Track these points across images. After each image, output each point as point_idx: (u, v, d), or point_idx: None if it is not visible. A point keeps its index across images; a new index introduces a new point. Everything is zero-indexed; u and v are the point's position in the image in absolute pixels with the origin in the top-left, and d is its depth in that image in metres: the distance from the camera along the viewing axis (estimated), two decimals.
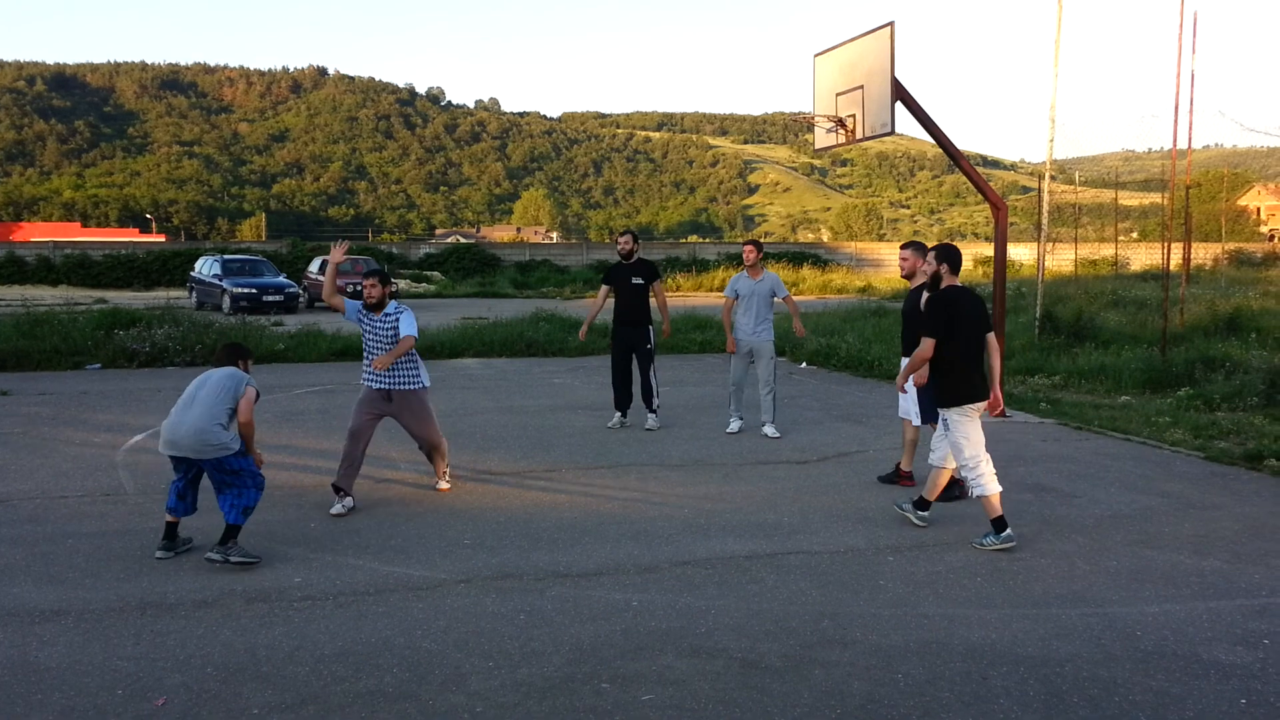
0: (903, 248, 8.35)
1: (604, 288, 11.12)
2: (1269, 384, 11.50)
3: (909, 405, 8.03)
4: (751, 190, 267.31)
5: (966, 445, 6.51)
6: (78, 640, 4.90)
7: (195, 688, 4.38)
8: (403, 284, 38.99)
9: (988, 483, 6.45)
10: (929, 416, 7.64)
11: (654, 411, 10.92)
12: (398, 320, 7.56)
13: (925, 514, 7.03)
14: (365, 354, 7.69)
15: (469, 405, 12.37)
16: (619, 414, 11.03)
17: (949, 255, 6.68)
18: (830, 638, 4.97)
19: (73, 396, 12.80)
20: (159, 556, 6.22)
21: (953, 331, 6.47)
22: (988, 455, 6.56)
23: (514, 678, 4.49)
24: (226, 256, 32.61)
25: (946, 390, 6.55)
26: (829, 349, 16.62)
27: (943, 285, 6.65)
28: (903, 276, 8.29)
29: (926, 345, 6.48)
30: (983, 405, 6.60)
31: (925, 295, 6.88)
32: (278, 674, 4.52)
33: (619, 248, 11.02)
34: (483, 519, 7.15)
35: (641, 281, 10.80)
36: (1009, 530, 6.51)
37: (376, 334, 7.62)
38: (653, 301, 10.95)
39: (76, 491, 7.90)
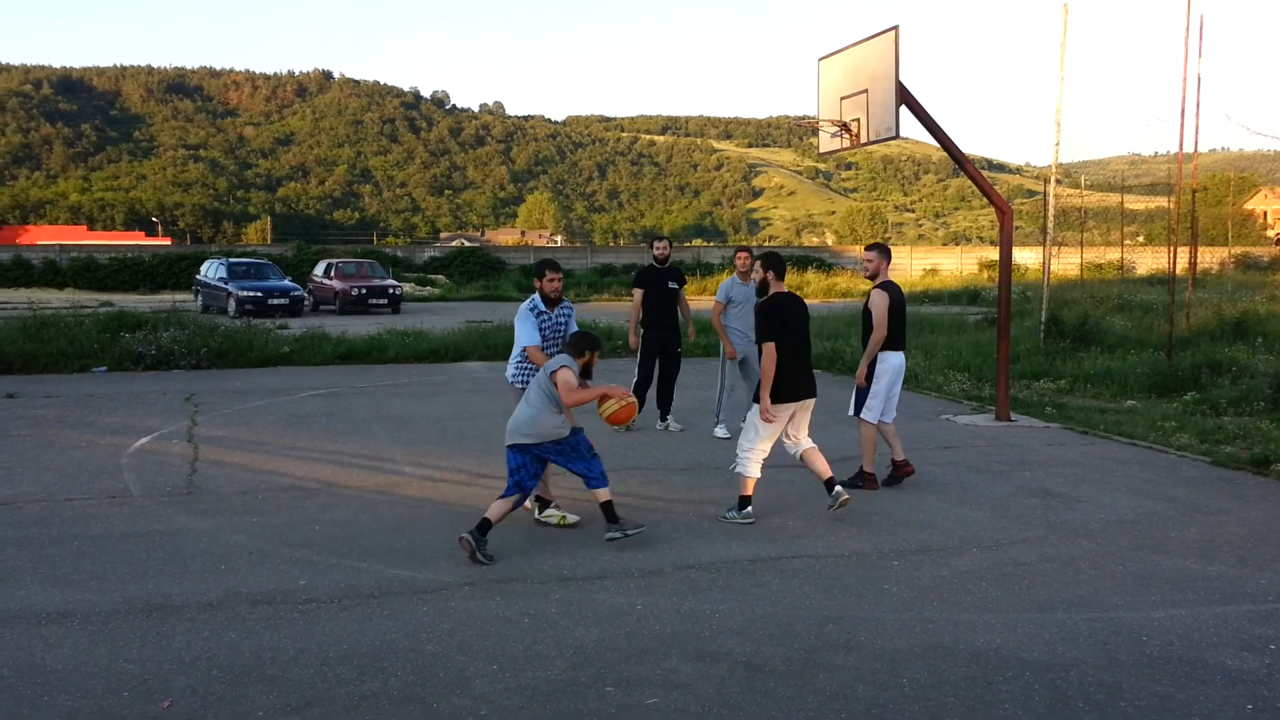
0: (867, 249, 8.88)
1: (639, 291, 11.02)
2: (1275, 388, 11.48)
3: (875, 403, 8.37)
4: (756, 194, 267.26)
5: (759, 430, 7.03)
6: (84, 642, 4.91)
7: (201, 690, 4.38)
8: (407, 287, 39.01)
9: (752, 466, 7.06)
10: (857, 409, 8.34)
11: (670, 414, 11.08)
12: (568, 318, 7.74)
13: (840, 490, 7.18)
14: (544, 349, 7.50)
15: (473, 408, 12.38)
16: (669, 418, 11.04)
17: (774, 263, 7.13)
18: (834, 642, 4.97)
19: (79, 399, 12.83)
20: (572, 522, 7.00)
21: (785, 337, 6.91)
22: (765, 449, 7.10)
23: (518, 681, 4.49)
24: (232, 260, 32.66)
25: (774, 388, 6.96)
26: (833, 353, 16.61)
27: (770, 292, 7.08)
28: (867, 276, 8.78)
29: (769, 350, 6.87)
30: (807, 403, 7.13)
31: (757, 302, 7.24)
32: (283, 676, 4.53)
33: (656, 253, 11.08)
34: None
35: (675, 286, 10.97)
36: (749, 509, 7.13)
37: (555, 329, 7.61)
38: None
39: (83, 494, 7.92)
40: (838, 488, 7.18)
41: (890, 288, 8.45)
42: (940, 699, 4.32)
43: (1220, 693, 4.40)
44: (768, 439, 7.12)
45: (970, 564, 6.27)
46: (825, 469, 7.24)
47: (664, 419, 11.02)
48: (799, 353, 7.06)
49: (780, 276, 7.17)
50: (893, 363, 8.35)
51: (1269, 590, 5.78)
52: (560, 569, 6.10)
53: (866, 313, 8.39)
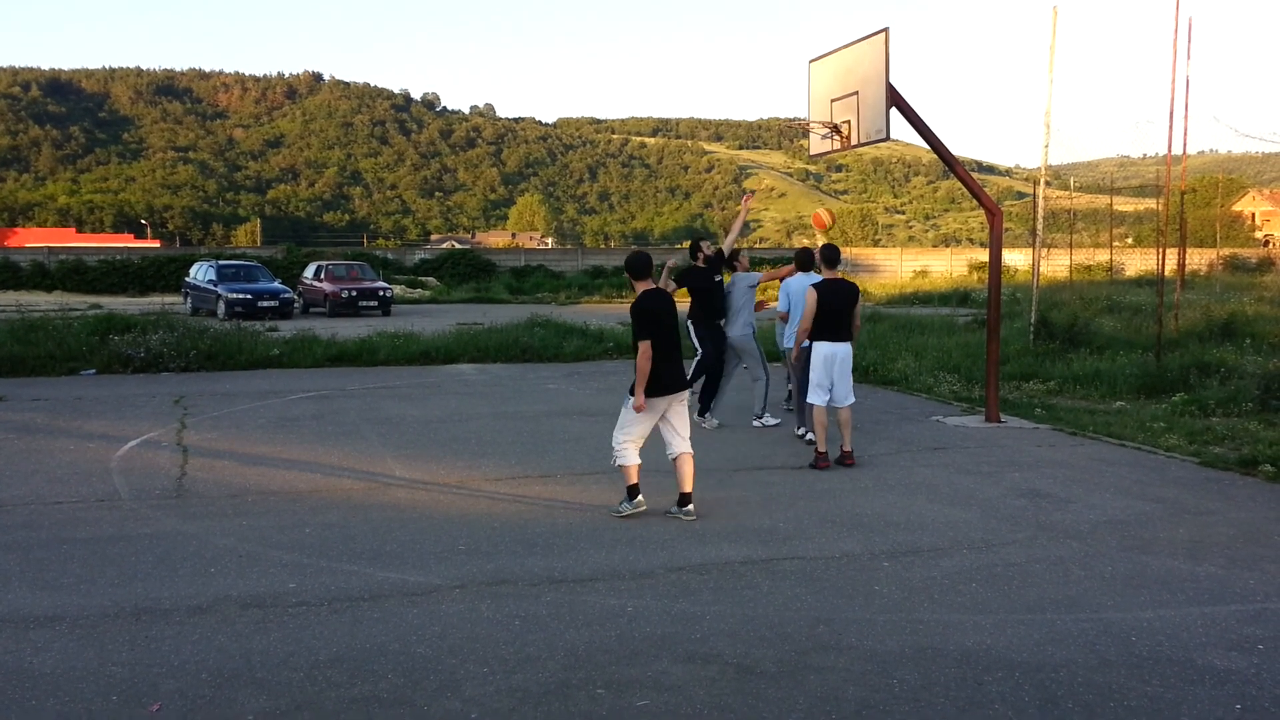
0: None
1: (676, 287, 11.02)
2: (1263, 389, 11.53)
3: (818, 393, 9.12)
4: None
5: (629, 424, 7.30)
6: (72, 646, 4.89)
7: (189, 694, 4.37)
8: (398, 289, 38.96)
9: (628, 457, 7.29)
10: (800, 391, 9.26)
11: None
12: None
13: (690, 509, 7.35)
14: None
15: (464, 411, 12.37)
16: (708, 413, 11.34)
17: (638, 265, 7.39)
18: (825, 643, 4.97)
19: (67, 402, 12.78)
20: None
21: (657, 334, 7.15)
22: (639, 439, 7.33)
23: (509, 683, 4.49)
24: (221, 262, 32.56)
25: (639, 382, 7.22)
26: None
27: (639, 292, 7.33)
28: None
29: (644, 349, 7.10)
30: (680, 396, 7.36)
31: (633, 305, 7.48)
32: (272, 680, 4.51)
33: (706, 253, 11.29)
34: (477, 524, 7.14)
35: (719, 279, 11.40)
36: (640, 498, 7.33)
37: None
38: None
39: (71, 497, 7.89)
40: (689, 506, 7.34)
41: (820, 285, 9.19)
42: (930, 700, 4.33)
43: (1209, 693, 4.42)
44: (639, 431, 7.34)
45: (960, 565, 6.28)
46: (687, 483, 7.37)
47: (702, 413, 11.22)
48: (669, 349, 7.26)
49: (644, 276, 7.35)
50: (821, 351, 9.13)
51: (1257, 590, 5.80)
52: (551, 571, 6.10)
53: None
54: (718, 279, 11.34)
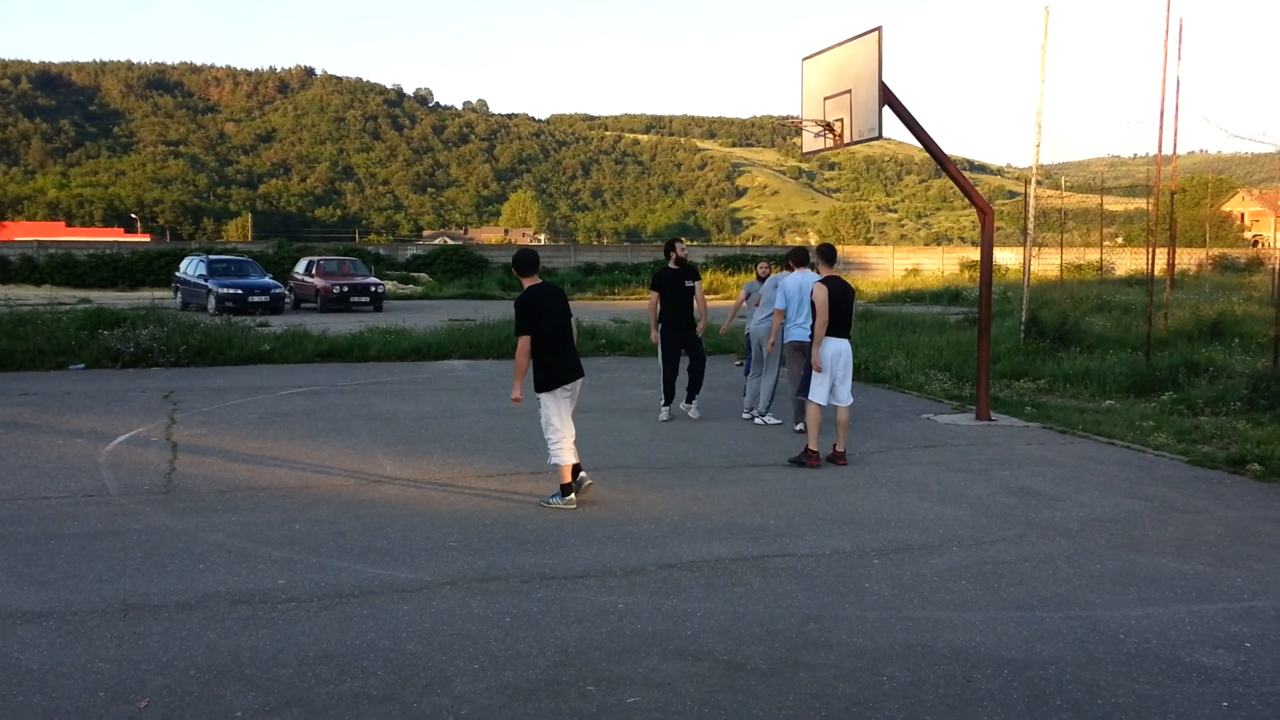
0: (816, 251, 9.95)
1: (655, 294, 11.56)
2: (1252, 389, 11.58)
3: (820, 390, 9.18)
4: (739, 193, 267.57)
5: (552, 421, 7.46)
6: (60, 642, 4.87)
7: (178, 690, 4.36)
8: (390, 285, 38.88)
9: (563, 455, 7.42)
10: (802, 389, 9.31)
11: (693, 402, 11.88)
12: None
13: (571, 497, 7.54)
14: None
15: (456, 407, 12.35)
16: (668, 407, 11.70)
17: (523, 261, 7.63)
18: (815, 640, 4.98)
19: (56, 397, 12.73)
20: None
21: (539, 327, 7.35)
22: (568, 433, 7.47)
23: (499, 680, 4.49)
24: (212, 257, 32.44)
25: (539, 378, 7.49)
26: None
27: (526, 286, 7.51)
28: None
29: (522, 344, 7.37)
30: (577, 384, 7.60)
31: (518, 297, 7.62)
32: (261, 676, 4.50)
33: (680, 253, 11.58)
34: (468, 521, 7.14)
35: (691, 285, 11.53)
36: (572, 495, 7.49)
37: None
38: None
39: (59, 492, 7.86)
40: (582, 474, 7.73)
41: (830, 282, 9.20)
42: (920, 697, 4.34)
43: (1196, 690, 4.44)
44: (564, 425, 7.49)
45: (950, 562, 6.29)
46: (568, 472, 7.55)
47: (689, 401, 11.79)
48: (562, 339, 7.51)
49: (531, 271, 7.59)
50: (830, 348, 9.15)
51: (1244, 588, 5.83)
52: (542, 568, 6.10)
53: (811, 304, 9.35)
54: (688, 284, 11.47)
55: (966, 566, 6.21)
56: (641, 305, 33.62)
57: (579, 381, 7.68)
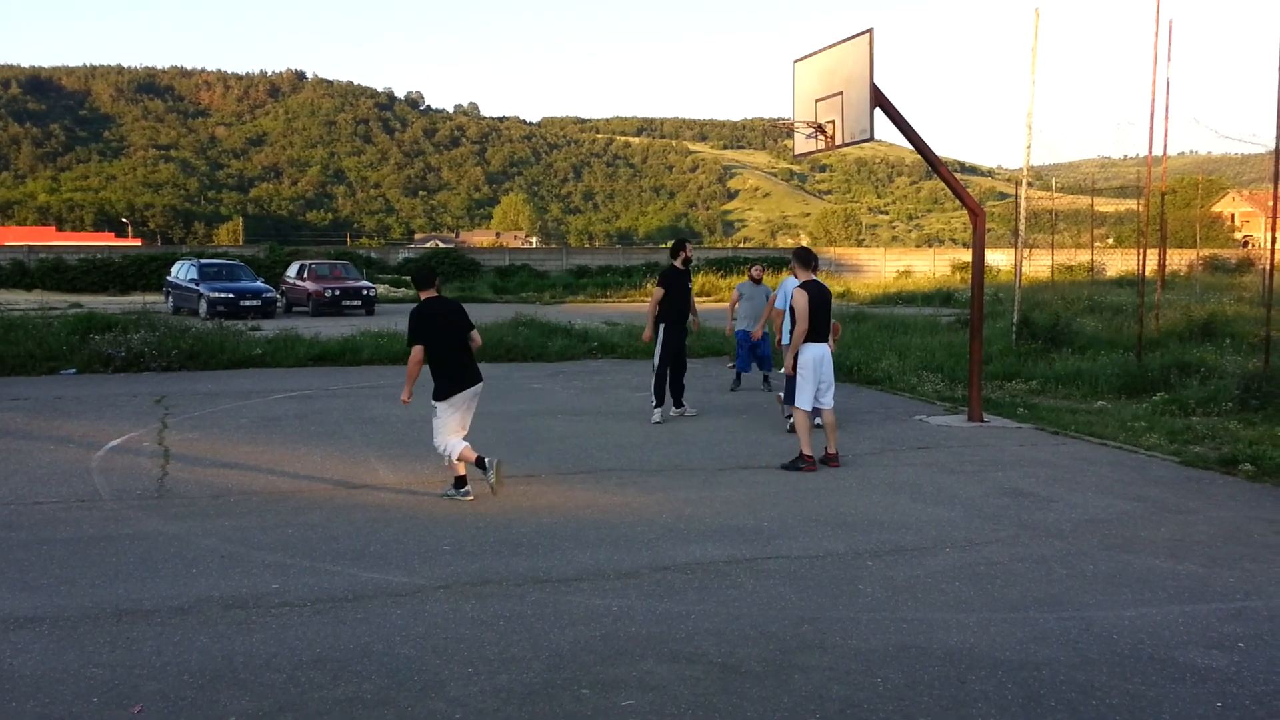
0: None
1: (661, 290, 11.66)
2: (1243, 389, 11.61)
3: (805, 396, 9.15)
4: (731, 195, 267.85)
5: (443, 429, 7.76)
6: (52, 647, 4.85)
7: (171, 695, 4.34)
8: (381, 288, 38.82)
9: (455, 448, 7.72)
10: (787, 397, 9.27)
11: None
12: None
13: (467, 489, 7.86)
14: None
15: None
16: (661, 409, 11.70)
17: (419, 276, 7.92)
18: (809, 642, 4.98)
19: (47, 402, 12.68)
20: None
21: (432, 338, 7.66)
22: (456, 437, 7.78)
23: (493, 684, 4.48)
24: (203, 261, 32.34)
25: (437, 388, 7.78)
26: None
27: (422, 299, 7.82)
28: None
29: (415, 353, 7.64)
30: (475, 389, 7.93)
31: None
32: (255, 681, 4.49)
33: (688, 254, 11.90)
34: (462, 524, 7.13)
35: (689, 285, 11.80)
36: (468, 488, 7.80)
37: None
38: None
39: (51, 497, 7.83)
40: (466, 488, 7.85)
41: (809, 286, 9.15)
42: (914, 698, 4.35)
43: (1190, 690, 4.45)
44: (452, 429, 7.80)
45: (944, 564, 6.30)
46: (461, 468, 7.86)
47: (680, 405, 11.98)
48: (458, 350, 7.82)
49: (428, 285, 7.90)
50: (812, 353, 9.12)
51: (1237, 588, 5.84)
52: (536, 571, 6.09)
53: (790, 310, 9.32)
54: (688, 285, 11.77)
55: (960, 568, 6.22)
56: (634, 307, 33.63)
57: (478, 386, 8.00)
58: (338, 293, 30.86)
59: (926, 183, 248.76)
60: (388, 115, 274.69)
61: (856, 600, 5.62)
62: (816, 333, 9.14)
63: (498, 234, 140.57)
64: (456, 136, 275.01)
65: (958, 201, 11.90)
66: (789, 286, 10.84)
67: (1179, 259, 45.54)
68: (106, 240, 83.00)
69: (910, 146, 11.41)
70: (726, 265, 47.96)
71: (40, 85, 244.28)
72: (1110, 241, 56.77)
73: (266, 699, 4.31)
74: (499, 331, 19.31)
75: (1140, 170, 17.53)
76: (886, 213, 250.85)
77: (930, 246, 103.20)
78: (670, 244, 12.52)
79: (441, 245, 68.56)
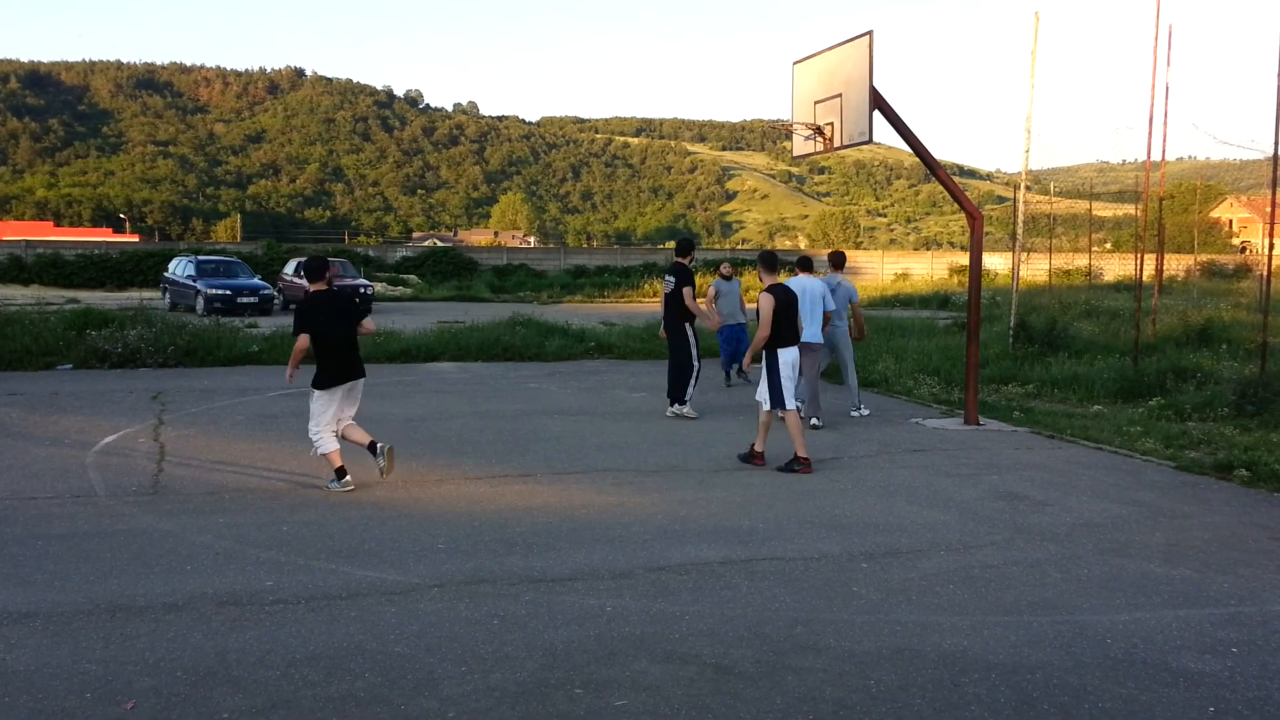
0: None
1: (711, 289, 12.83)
2: (1239, 395, 11.62)
3: (763, 391, 9.18)
4: (729, 196, 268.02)
5: (317, 417, 8.02)
6: (46, 643, 4.85)
7: (165, 691, 4.34)
8: (379, 287, 38.81)
9: (326, 444, 7.99)
10: (775, 402, 9.06)
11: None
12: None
13: (348, 479, 8.08)
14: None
15: (445, 409, 12.33)
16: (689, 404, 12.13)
17: (310, 269, 8.19)
18: (803, 644, 4.98)
19: (43, 397, 12.67)
20: None
21: (316, 330, 7.93)
22: (329, 425, 8.02)
23: (486, 683, 4.48)
24: (201, 257, 32.32)
25: (317, 376, 8.04)
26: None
27: (311, 290, 8.17)
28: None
29: (299, 341, 7.93)
30: (356, 384, 8.21)
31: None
32: (248, 678, 4.49)
33: (693, 255, 12.33)
34: (457, 523, 7.13)
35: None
36: (348, 478, 8.03)
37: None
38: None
39: (46, 493, 7.82)
40: (346, 478, 8.06)
41: (776, 290, 9.21)
42: (908, 701, 4.35)
43: (1183, 695, 4.45)
44: (327, 418, 8.04)
45: (938, 566, 6.31)
46: (363, 437, 8.20)
47: (680, 403, 12.10)
48: (341, 342, 8.07)
49: (318, 278, 8.21)
50: (789, 356, 9.16)
51: (1231, 594, 5.85)
52: (530, 570, 6.09)
53: (756, 313, 9.42)
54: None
55: (954, 571, 6.23)
56: (632, 308, 33.66)
57: (358, 381, 8.27)
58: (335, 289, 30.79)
59: (925, 186, 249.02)
60: (386, 113, 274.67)
61: (850, 602, 5.62)
62: (787, 336, 9.15)
63: (496, 233, 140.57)
64: (455, 135, 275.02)
65: (956, 205, 11.91)
66: (817, 288, 11.20)
67: (1176, 264, 45.61)
68: (104, 236, 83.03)
69: (909, 149, 11.42)
70: None
71: (39, 80, 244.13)
72: (1108, 246, 56.82)
73: (260, 696, 4.31)
74: (496, 331, 19.30)
75: (1139, 175, 17.54)
76: (885, 215, 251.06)
77: (928, 249, 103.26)
78: (677, 243, 12.67)
79: (439, 244, 68.43)
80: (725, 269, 14.81)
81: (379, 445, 8.05)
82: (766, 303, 9.05)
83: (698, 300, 12.14)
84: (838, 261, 12.41)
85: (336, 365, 8.06)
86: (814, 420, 11.38)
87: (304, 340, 7.94)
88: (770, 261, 9.66)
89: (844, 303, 12.00)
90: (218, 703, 4.24)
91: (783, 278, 9.87)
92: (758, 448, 9.25)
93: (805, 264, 11.62)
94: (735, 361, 14.44)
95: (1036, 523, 7.39)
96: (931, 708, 4.29)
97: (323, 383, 8.03)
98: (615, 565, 6.23)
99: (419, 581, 5.86)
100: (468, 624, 5.18)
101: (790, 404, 9.09)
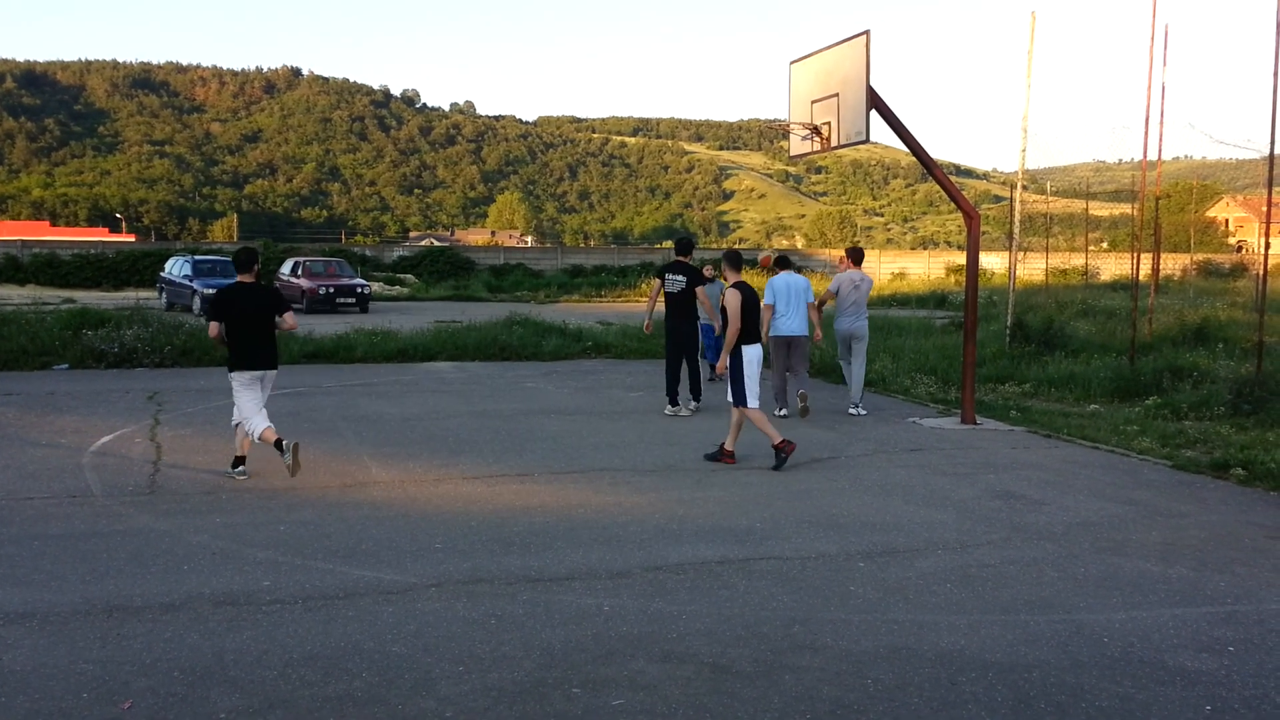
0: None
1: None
2: (1235, 394, 11.63)
3: (754, 395, 9.25)
4: (726, 196, 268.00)
5: (240, 403, 8.39)
6: (43, 643, 4.84)
7: (162, 691, 4.34)
8: (376, 286, 38.78)
9: (256, 427, 8.31)
10: (736, 400, 9.19)
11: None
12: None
13: (242, 469, 8.46)
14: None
15: (442, 409, 12.33)
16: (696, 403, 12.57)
17: (238, 260, 8.51)
18: (801, 643, 4.99)
19: (40, 397, 12.65)
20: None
21: (228, 318, 8.34)
22: (255, 409, 8.35)
23: (484, 683, 4.48)
24: (197, 257, 32.25)
25: (230, 360, 8.45)
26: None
27: (238, 280, 8.53)
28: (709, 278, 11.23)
29: (210, 327, 8.43)
30: (268, 374, 8.53)
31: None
32: (245, 678, 4.49)
33: (708, 272, 13.08)
34: (454, 523, 7.12)
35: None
36: (243, 468, 8.42)
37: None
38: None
39: (43, 493, 7.81)
40: (241, 468, 8.45)
41: (742, 288, 9.30)
42: (905, 700, 4.35)
43: (1180, 694, 4.46)
44: (248, 402, 8.40)
45: (935, 566, 6.31)
46: (243, 449, 8.51)
47: (679, 402, 12.38)
48: (253, 333, 8.43)
49: (241, 270, 8.50)
50: (752, 354, 9.27)
51: (1228, 592, 5.86)
52: (527, 570, 6.09)
53: (723, 310, 9.44)
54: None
55: (951, 570, 6.23)
56: (629, 307, 33.65)
57: (269, 373, 8.55)
58: (332, 290, 30.80)
59: (922, 185, 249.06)
60: (383, 113, 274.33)
61: (848, 601, 5.63)
62: (751, 334, 9.28)
63: (493, 233, 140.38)
64: (452, 135, 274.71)
65: (953, 204, 11.92)
66: (779, 283, 11.77)
67: (1173, 263, 45.69)
68: (100, 236, 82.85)
69: (906, 149, 11.43)
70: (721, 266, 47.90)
71: (35, 80, 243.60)
72: (1104, 245, 56.87)
73: (257, 696, 4.31)
74: (493, 330, 19.30)
75: (1135, 174, 17.57)
76: (882, 215, 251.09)
77: (925, 249, 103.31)
78: (677, 242, 12.83)
79: (436, 243, 68.44)
80: (708, 271, 14.97)
81: (284, 443, 8.18)
82: (734, 299, 9.17)
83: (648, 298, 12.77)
84: (858, 258, 12.94)
85: (244, 352, 8.41)
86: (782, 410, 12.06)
87: (214, 328, 8.40)
88: (735, 260, 9.89)
89: (864, 297, 12.59)
90: (215, 703, 4.24)
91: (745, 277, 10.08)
92: (775, 442, 9.19)
93: (783, 262, 12.38)
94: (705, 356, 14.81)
95: (1033, 522, 7.40)
96: (929, 707, 4.29)
97: (232, 365, 8.43)
98: (613, 565, 6.23)
99: (416, 581, 5.85)
100: (465, 623, 5.18)
101: (753, 402, 9.18)
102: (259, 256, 8.80)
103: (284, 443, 8.13)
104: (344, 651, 4.80)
